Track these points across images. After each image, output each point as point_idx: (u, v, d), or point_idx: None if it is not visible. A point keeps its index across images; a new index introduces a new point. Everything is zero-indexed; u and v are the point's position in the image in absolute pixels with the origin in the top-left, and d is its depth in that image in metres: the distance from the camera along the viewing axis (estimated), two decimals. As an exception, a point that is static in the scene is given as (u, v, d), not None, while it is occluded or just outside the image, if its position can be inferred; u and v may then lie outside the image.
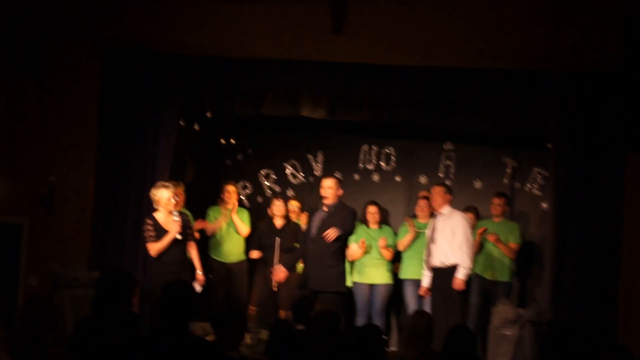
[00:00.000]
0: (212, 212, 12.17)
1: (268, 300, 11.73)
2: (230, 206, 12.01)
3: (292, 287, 11.29)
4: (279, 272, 10.56)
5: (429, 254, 10.72)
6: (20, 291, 10.87)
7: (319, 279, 9.99)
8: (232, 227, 12.00)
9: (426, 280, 10.89)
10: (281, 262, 11.10)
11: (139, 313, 10.53)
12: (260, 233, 11.93)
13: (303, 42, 10.70)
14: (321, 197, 10.25)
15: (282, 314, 11.43)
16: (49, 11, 10.92)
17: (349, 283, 11.68)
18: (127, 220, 11.01)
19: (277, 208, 11.85)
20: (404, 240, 11.69)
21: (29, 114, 11.09)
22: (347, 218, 10.21)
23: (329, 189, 10.07)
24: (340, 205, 10.17)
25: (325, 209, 10.10)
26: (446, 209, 10.70)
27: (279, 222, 11.83)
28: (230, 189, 12.07)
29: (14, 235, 10.96)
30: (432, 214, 11.36)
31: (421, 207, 11.82)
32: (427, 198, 11.83)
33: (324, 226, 10.03)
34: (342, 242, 10.26)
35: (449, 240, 10.49)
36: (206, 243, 12.04)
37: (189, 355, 5.27)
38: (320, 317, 8.02)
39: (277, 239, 11.60)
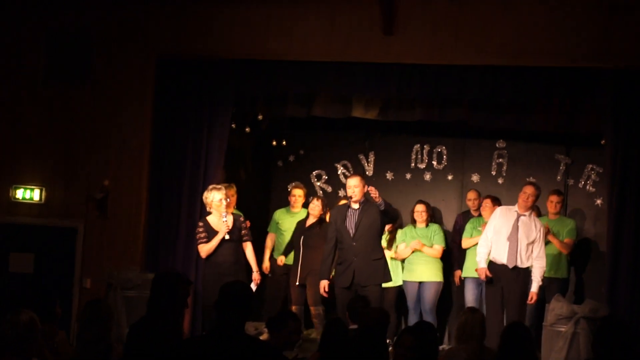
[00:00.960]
0: (277, 215, 12.26)
1: (303, 299, 11.69)
2: (296, 209, 12.05)
3: (317, 283, 11.27)
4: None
5: (496, 249, 10.52)
6: (76, 294, 11.00)
7: (367, 273, 9.97)
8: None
9: (483, 261, 10.69)
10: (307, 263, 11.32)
11: (192, 313, 10.64)
12: (294, 234, 11.91)
13: (354, 43, 10.74)
14: (349, 198, 10.19)
15: (313, 310, 11.46)
16: (103, 21, 11.09)
17: (399, 281, 11.69)
18: (180, 222, 11.08)
19: (311, 207, 11.72)
20: (472, 240, 11.65)
21: (84, 120, 11.21)
22: (382, 217, 10.19)
23: (355, 187, 10.01)
24: (367, 201, 10.13)
25: (355, 206, 10.07)
26: (529, 213, 10.53)
27: (310, 221, 11.73)
28: (297, 192, 12.11)
29: (69, 238, 11.08)
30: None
31: (486, 206, 11.73)
32: (490, 197, 11.79)
33: (361, 223, 10.01)
34: (380, 234, 10.32)
35: (527, 245, 10.35)
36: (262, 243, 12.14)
37: (244, 356, 5.29)
38: (372, 315, 8.04)
39: (301, 238, 11.58)
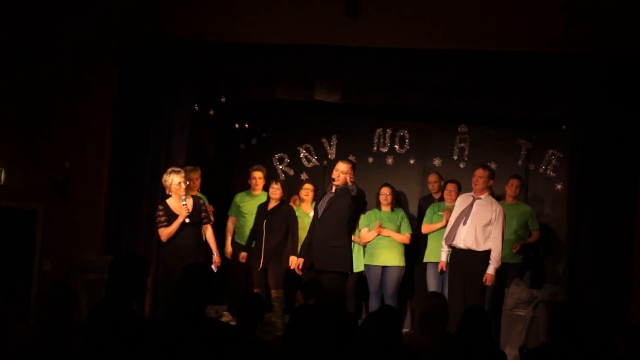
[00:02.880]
0: (238, 198, 12.23)
1: (264, 282, 11.69)
2: (257, 192, 12.03)
3: (280, 268, 11.32)
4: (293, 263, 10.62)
5: (453, 234, 10.61)
6: (35, 276, 10.94)
7: (324, 258, 9.98)
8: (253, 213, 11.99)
9: (444, 255, 10.83)
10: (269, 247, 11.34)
11: (152, 296, 10.62)
12: (256, 215, 11.81)
13: (317, 26, 10.73)
14: (332, 179, 10.20)
15: (274, 293, 11.44)
16: (66, 1, 11.00)
17: (360, 266, 11.69)
18: (141, 204, 11.05)
19: (272, 190, 11.60)
20: (432, 226, 11.69)
21: (44, 101, 11.15)
22: (354, 204, 10.18)
23: (342, 173, 10.01)
24: (345, 189, 10.11)
25: (333, 190, 10.08)
26: (486, 196, 10.61)
27: (272, 205, 11.66)
28: (257, 174, 12.08)
29: (29, 220, 11.02)
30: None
31: (449, 191, 11.78)
32: (455, 181, 11.85)
33: (330, 207, 10.03)
34: (348, 222, 10.24)
35: (482, 228, 10.41)
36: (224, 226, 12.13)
37: (205, 338, 5.30)
38: (325, 297, 8.03)
39: (264, 222, 11.55)
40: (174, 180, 10.21)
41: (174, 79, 11.19)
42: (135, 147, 11.17)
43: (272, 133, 13.51)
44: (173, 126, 11.17)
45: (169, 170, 10.37)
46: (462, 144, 12.99)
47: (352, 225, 10.48)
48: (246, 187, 12.35)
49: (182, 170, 10.41)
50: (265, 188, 12.02)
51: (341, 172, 10.01)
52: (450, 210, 11.19)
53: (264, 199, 11.84)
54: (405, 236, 11.80)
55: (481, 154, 12.77)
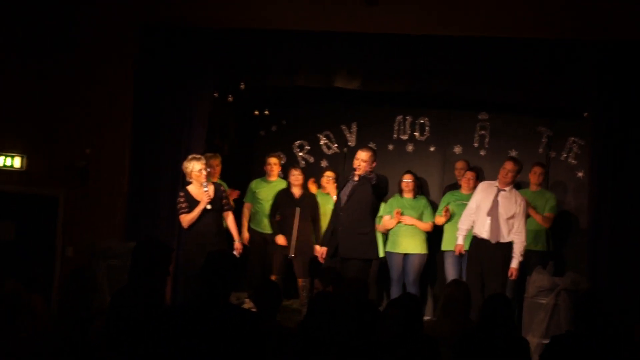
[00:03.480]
0: (254, 184, 12.23)
1: (287, 269, 11.74)
2: (273, 178, 12.05)
3: (307, 256, 11.40)
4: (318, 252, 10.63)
5: (476, 223, 10.59)
6: (57, 262, 10.98)
7: (350, 246, 9.96)
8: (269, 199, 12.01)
9: (461, 238, 10.83)
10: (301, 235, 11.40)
11: (173, 283, 10.65)
12: (279, 202, 11.84)
13: (337, 13, 10.71)
14: (353, 168, 10.18)
15: (300, 282, 11.51)
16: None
17: (381, 253, 11.68)
18: (162, 191, 11.08)
19: (294, 177, 11.74)
20: (442, 218, 11.69)
21: (66, 87, 11.17)
22: (377, 190, 10.16)
23: (362, 161, 9.97)
24: (366, 176, 10.08)
25: (356, 178, 10.05)
26: (510, 188, 10.57)
27: (297, 192, 11.74)
28: (273, 160, 12.10)
29: (51, 207, 11.06)
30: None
31: (467, 179, 11.75)
32: (474, 169, 11.83)
33: (355, 195, 10.01)
34: (372, 209, 10.22)
35: (505, 220, 10.38)
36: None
37: (229, 325, 5.30)
38: (349, 285, 8.04)
39: (297, 209, 11.56)
40: (194, 167, 10.20)
41: (194, 66, 11.20)
42: (156, 133, 11.20)
43: (292, 120, 13.49)
44: (193, 113, 11.18)
45: (190, 157, 10.37)
46: (483, 132, 12.94)
47: (375, 212, 10.44)
48: (263, 173, 12.35)
49: (203, 157, 10.40)
50: (282, 174, 12.04)
51: (362, 160, 9.97)
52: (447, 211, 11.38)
53: (280, 185, 11.87)
54: (427, 224, 11.76)
55: (502, 142, 12.74)
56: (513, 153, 12.42)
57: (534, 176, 11.67)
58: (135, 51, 11.22)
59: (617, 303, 9.55)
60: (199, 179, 10.21)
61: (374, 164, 10.03)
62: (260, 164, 12.78)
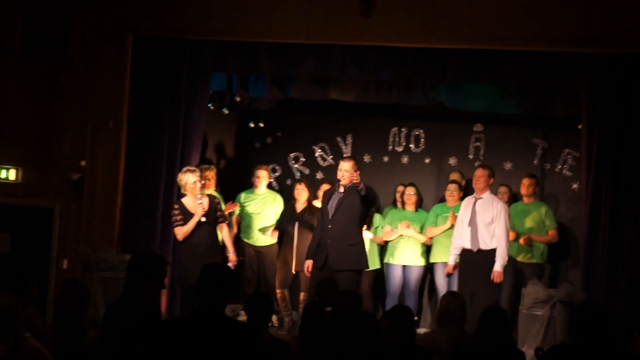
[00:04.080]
0: (242, 197, 12.20)
1: (291, 283, 11.76)
2: (260, 190, 12.06)
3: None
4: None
5: (460, 236, 10.65)
6: (52, 274, 10.97)
7: (340, 258, 9.93)
8: (263, 211, 12.01)
9: (452, 258, 10.85)
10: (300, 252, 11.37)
11: (169, 295, 10.65)
12: (282, 216, 11.91)
13: (332, 25, 10.72)
14: (338, 180, 10.14)
15: (302, 296, 11.49)
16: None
17: (377, 264, 11.68)
18: (157, 203, 11.05)
19: (297, 192, 11.82)
20: (436, 229, 11.67)
21: (61, 99, 11.17)
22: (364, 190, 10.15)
23: (345, 171, 9.96)
24: (353, 186, 10.08)
25: (341, 189, 10.04)
26: (487, 194, 10.60)
27: (299, 206, 11.79)
28: (260, 173, 12.09)
29: (46, 218, 11.05)
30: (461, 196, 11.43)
31: (451, 191, 11.76)
32: (456, 182, 11.84)
33: (343, 206, 9.98)
34: (360, 220, 10.17)
35: (486, 227, 10.42)
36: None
37: (225, 337, 5.30)
38: (342, 298, 8.02)
39: (296, 224, 11.58)
40: (189, 179, 10.20)
41: (189, 78, 11.18)
42: (151, 145, 11.18)
43: (287, 132, 13.50)
44: (188, 125, 11.17)
45: (184, 169, 10.38)
46: (478, 143, 12.97)
47: (362, 223, 10.42)
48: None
49: (198, 170, 10.41)
50: (277, 186, 12.06)
51: (345, 170, 9.96)
52: (454, 214, 11.22)
53: (269, 197, 11.94)
54: (427, 238, 11.78)
55: (497, 154, 12.77)
56: (508, 165, 12.48)
57: (523, 188, 11.70)
58: (129, 63, 11.21)
59: (613, 314, 9.55)
60: (193, 191, 10.21)
61: (358, 172, 10.00)
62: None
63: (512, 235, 11.18)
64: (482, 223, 10.44)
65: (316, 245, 10.10)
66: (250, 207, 12.09)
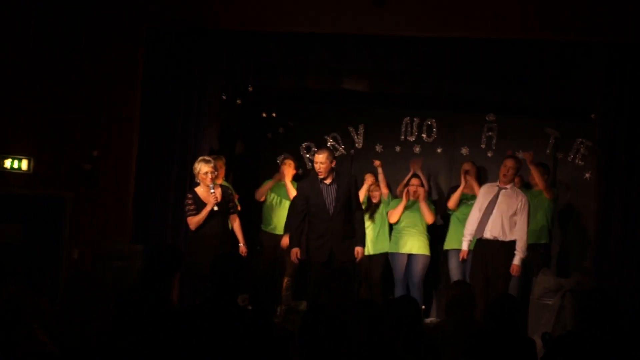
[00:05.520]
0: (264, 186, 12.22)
1: (299, 272, 11.74)
2: (287, 180, 12.02)
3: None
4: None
5: (477, 223, 10.60)
6: (63, 264, 10.99)
7: (341, 250, 9.98)
8: (284, 201, 12.00)
9: (466, 244, 10.82)
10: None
11: (179, 285, 10.68)
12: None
13: (344, 15, 10.73)
14: (317, 172, 10.13)
15: (286, 281, 11.53)
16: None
17: (384, 247, 11.70)
18: (169, 193, 11.09)
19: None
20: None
21: (73, 90, 11.18)
22: (355, 189, 10.17)
23: (321, 164, 9.95)
24: (338, 175, 10.09)
25: (328, 182, 10.04)
26: (511, 186, 10.57)
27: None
28: (290, 162, 12.12)
29: (57, 209, 11.07)
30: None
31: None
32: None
33: (340, 201, 9.99)
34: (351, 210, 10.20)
35: (508, 218, 10.38)
36: (252, 215, 12.13)
37: (238, 326, 5.32)
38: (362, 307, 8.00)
39: None
40: (201, 169, 10.21)
41: (201, 68, 11.23)
42: (163, 135, 11.21)
43: (299, 122, 13.47)
44: (201, 115, 11.21)
45: (200, 158, 10.39)
46: (490, 133, 12.93)
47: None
48: (269, 175, 12.36)
49: (212, 160, 10.41)
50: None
51: (320, 163, 9.97)
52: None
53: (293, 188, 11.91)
54: (431, 215, 11.78)
55: (509, 143, 12.72)
56: (520, 154, 12.42)
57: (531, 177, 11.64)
58: (143, 53, 11.23)
59: (624, 304, 9.55)
60: (205, 181, 10.22)
61: (334, 163, 10.00)
62: (268, 165, 12.80)
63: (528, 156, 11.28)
64: (505, 213, 10.41)
65: (301, 236, 10.17)
66: (279, 196, 12.12)
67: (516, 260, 10.28)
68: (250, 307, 8.32)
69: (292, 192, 11.63)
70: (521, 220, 10.38)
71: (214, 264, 5.59)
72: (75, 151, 11.14)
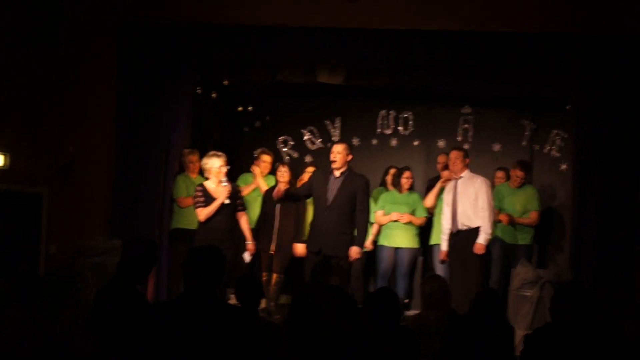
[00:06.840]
0: (241, 179, 12.23)
1: (289, 268, 11.75)
2: (258, 176, 12.02)
3: (288, 252, 11.44)
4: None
5: (449, 218, 10.69)
6: (42, 260, 10.94)
7: (332, 244, 9.96)
8: (257, 196, 12.02)
9: (444, 244, 10.87)
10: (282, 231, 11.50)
11: (167, 279, 10.71)
12: (265, 199, 11.85)
13: (319, 8, 10.69)
14: (330, 162, 10.17)
15: (275, 277, 11.58)
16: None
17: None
18: (145, 188, 11.04)
19: (280, 174, 11.72)
20: (430, 195, 11.81)
21: (48, 85, 11.12)
22: (363, 192, 10.16)
23: (338, 153, 10.00)
24: (351, 172, 10.10)
25: (337, 174, 10.06)
26: (466, 173, 10.66)
27: (282, 189, 11.76)
28: (266, 158, 12.12)
29: (34, 205, 11.02)
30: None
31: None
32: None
33: (341, 194, 9.99)
34: (353, 209, 10.20)
35: (471, 204, 10.47)
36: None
37: (216, 320, 5.31)
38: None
39: (278, 206, 11.57)
40: (214, 163, 10.28)
41: (176, 63, 11.18)
42: (139, 130, 11.17)
43: (275, 116, 13.49)
44: (176, 109, 11.17)
45: (210, 153, 10.46)
46: (466, 125, 12.99)
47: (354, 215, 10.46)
48: (246, 169, 12.35)
49: (223, 155, 10.44)
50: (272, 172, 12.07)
51: (337, 152, 9.99)
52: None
53: (270, 182, 11.87)
54: (421, 219, 11.80)
55: (485, 135, 12.80)
56: (497, 146, 12.50)
57: (516, 180, 11.63)
58: (116, 50, 11.19)
59: (602, 296, 9.60)
60: (219, 175, 10.25)
61: (349, 157, 10.03)
62: (245, 160, 12.79)
63: (504, 218, 11.25)
64: (467, 201, 10.52)
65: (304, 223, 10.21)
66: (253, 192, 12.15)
67: (480, 239, 10.37)
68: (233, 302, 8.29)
69: (264, 187, 11.72)
70: (482, 200, 10.47)
71: (188, 257, 5.58)
72: (51, 146, 11.08)
